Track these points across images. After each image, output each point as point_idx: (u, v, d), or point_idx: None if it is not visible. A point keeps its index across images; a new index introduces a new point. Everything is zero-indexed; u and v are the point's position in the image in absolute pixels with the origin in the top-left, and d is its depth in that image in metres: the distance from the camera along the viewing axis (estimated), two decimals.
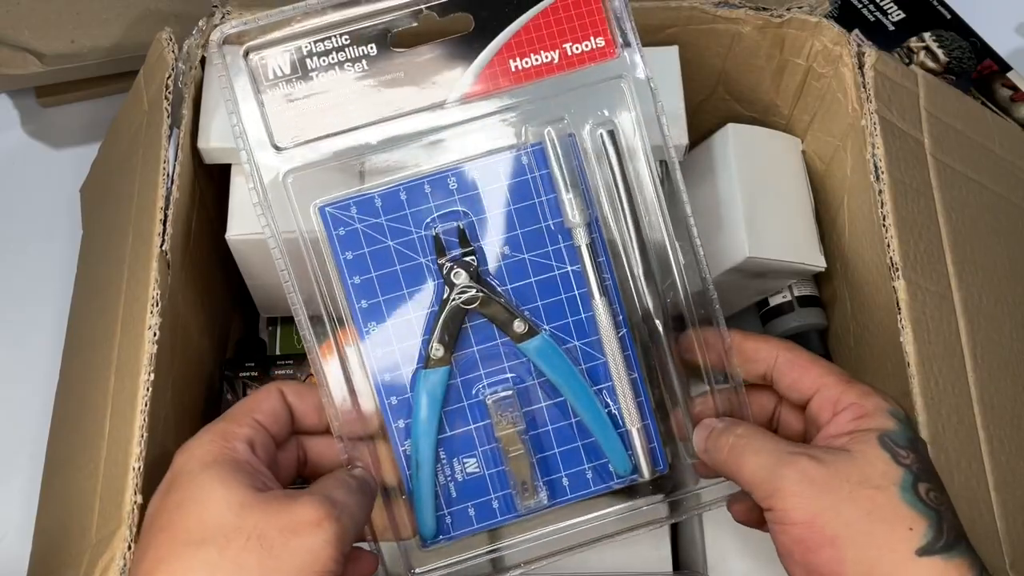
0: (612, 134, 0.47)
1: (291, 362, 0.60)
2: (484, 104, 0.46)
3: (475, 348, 0.46)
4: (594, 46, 0.47)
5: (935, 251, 0.51)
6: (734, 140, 0.59)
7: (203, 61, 0.53)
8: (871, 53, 0.54)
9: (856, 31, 0.55)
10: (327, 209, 0.45)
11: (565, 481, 0.47)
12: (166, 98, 0.51)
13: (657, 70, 0.55)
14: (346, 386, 0.45)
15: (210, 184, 0.55)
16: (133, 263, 0.49)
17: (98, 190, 0.62)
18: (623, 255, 0.48)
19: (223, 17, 0.53)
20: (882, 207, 0.50)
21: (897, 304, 0.48)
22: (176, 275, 0.49)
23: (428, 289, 0.45)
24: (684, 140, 0.54)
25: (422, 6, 0.45)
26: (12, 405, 0.66)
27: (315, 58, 0.45)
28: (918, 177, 0.52)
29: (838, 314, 0.61)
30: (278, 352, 0.64)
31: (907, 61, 0.76)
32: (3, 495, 0.63)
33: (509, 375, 0.46)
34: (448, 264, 0.45)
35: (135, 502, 0.42)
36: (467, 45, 0.46)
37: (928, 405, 0.46)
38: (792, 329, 0.63)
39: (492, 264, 0.46)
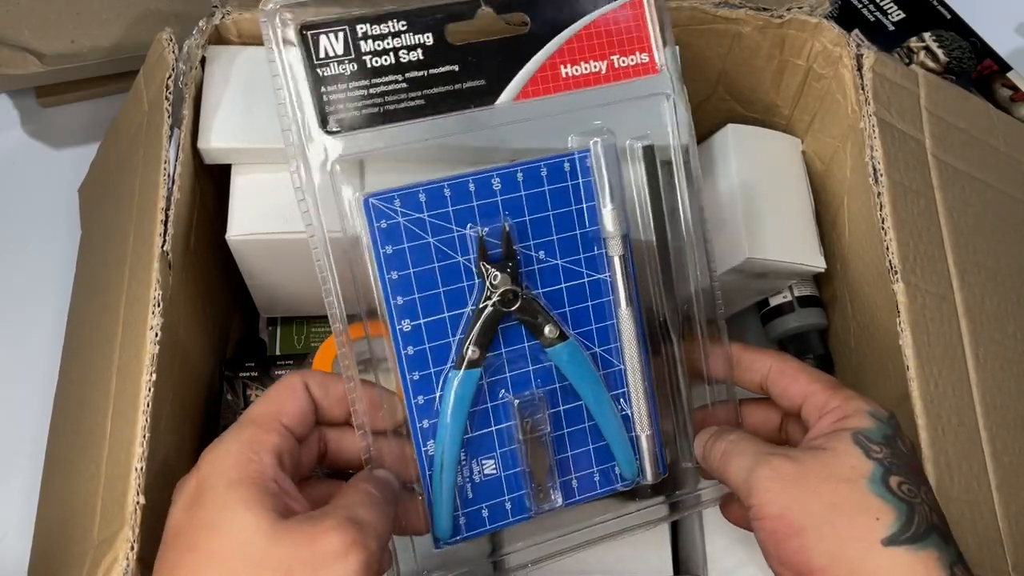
0: (650, 149, 0.48)
1: (291, 362, 0.60)
2: (533, 107, 0.46)
3: (503, 350, 0.46)
4: (639, 61, 0.48)
5: (936, 252, 0.51)
6: (734, 140, 0.59)
7: (203, 61, 0.53)
8: (870, 54, 0.54)
9: (856, 31, 0.55)
10: (371, 200, 0.43)
11: (575, 483, 0.47)
12: (166, 98, 0.51)
13: None
14: (374, 381, 0.45)
15: (211, 184, 0.55)
16: (134, 263, 0.49)
17: (97, 190, 0.62)
18: (646, 266, 0.49)
19: (223, 17, 0.53)
20: (881, 209, 0.50)
21: (896, 307, 0.48)
22: (177, 275, 0.49)
23: (464, 289, 0.45)
24: (685, 140, 0.54)
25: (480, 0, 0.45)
26: (12, 405, 0.66)
27: (370, 41, 0.44)
28: (918, 178, 0.52)
29: (838, 314, 0.61)
30: (278, 352, 0.64)
31: (907, 61, 0.76)
32: (3, 495, 0.63)
33: (533, 378, 0.46)
34: (489, 266, 0.45)
35: (137, 503, 0.42)
36: (521, 46, 0.46)
37: (927, 407, 0.46)
38: (792, 329, 0.63)
39: (527, 267, 0.46)
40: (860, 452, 0.41)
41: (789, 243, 0.58)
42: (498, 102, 0.46)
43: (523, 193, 0.46)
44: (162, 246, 0.48)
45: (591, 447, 0.47)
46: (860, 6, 0.80)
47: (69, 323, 0.61)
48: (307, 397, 0.43)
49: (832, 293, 0.61)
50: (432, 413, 0.45)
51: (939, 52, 0.76)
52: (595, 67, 0.47)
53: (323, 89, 0.43)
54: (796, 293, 0.63)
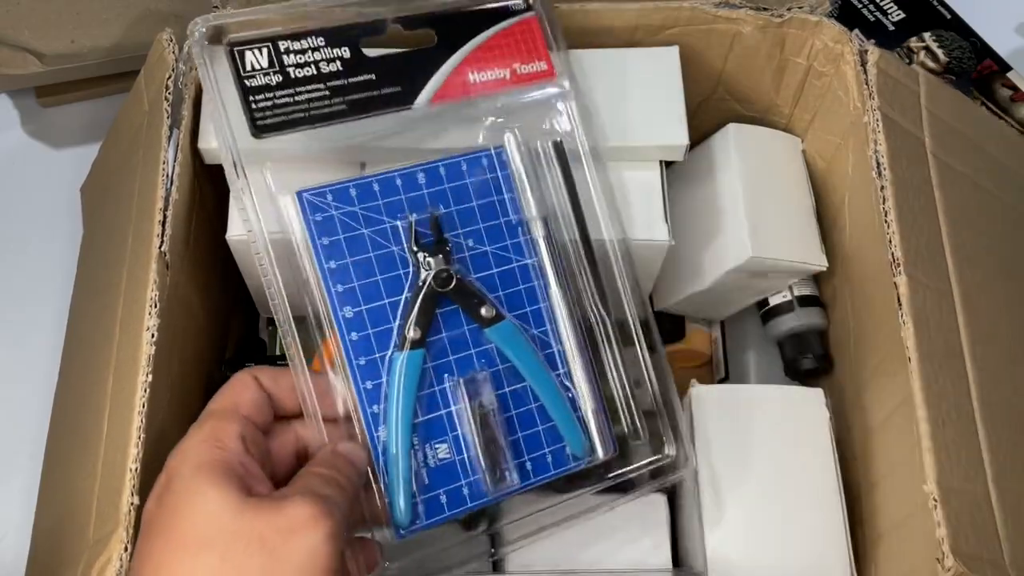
0: (559, 145, 0.51)
1: None
2: (447, 109, 0.50)
3: (444, 334, 0.47)
4: (539, 68, 0.52)
5: (936, 248, 0.51)
6: (735, 140, 0.59)
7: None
8: (874, 51, 0.54)
9: (856, 31, 0.55)
10: (305, 195, 0.46)
11: (528, 465, 0.48)
12: (166, 99, 0.51)
13: (657, 70, 0.56)
14: (321, 370, 0.46)
15: (210, 185, 0.55)
16: (132, 264, 0.49)
17: (98, 190, 0.62)
18: (571, 256, 0.51)
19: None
20: (884, 203, 0.50)
21: (898, 300, 0.48)
22: (175, 275, 0.49)
23: (400, 276, 0.47)
24: (685, 140, 0.54)
25: (388, 19, 0.50)
26: (12, 405, 0.66)
27: (292, 55, 0.47)
28: (919, 175, 0.52)
29: (838, 313, 0.61)
30: (278, 352, 0.64)
31: (907, 61, 0.76)
32: (3, 495, 0.63)
33: (476, 361, 0.48)
34: (422, 251, 0.47)
35: (132, 503, 0.42)
36: (432, 56, 0.50)
37: (929, 401, 0.46)
38: (792, 329, 0.63)
39: (458, 255, 0.48)
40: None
41: (791, 242, 0.58)
42: (415, 105, 0.49)
43: (447, 186, 0.49)
44: (160, 247, 0.48)
45: (540, 428, 0.48)
46: (860, 6, 0.79)
47: (69, 323, 0.61)
48: (260, 389, 0.44)
49: (832, 291, 0.61)
50: (381, 398, 0.46)
51: (939, 52, 0.76)
52: (500, 73, 0.51)
53: (251, 98, 0.46)
54: (796, 292, 0.63)
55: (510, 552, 0.51)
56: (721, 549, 0.51)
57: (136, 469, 0.43)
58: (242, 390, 0.44)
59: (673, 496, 0.57)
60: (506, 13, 0.52)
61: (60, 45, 0.70)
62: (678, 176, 0.61)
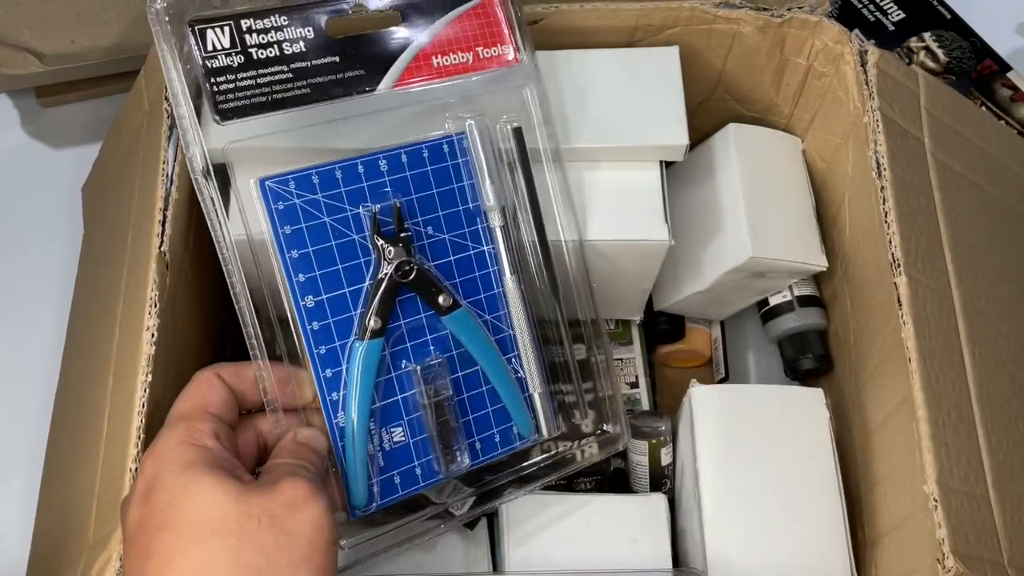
0: (519, 131, 0.52)
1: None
2: (411, 94, 0.50)
3: (403, 321, 0.48)
4: (501, 52, 0.52)
5: (935, 249, 0.51)
6: (735, 140, 0.59)
7: None
8: (874, 51, 0.54)
9: (856, 31, 0.55)
10: (267, 183, 0.46)
11: (478, 445, 0.50)
12: (166, 99, 0.51)
13: (657, 70, 0.56)
14: (282, 359, 0.46)
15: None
16: (132, 264, 0.49)
17: (98, 190, 0.62)
18: (526, 244, 0.52)
19: None
20: (884, 203, 0.50)
21: (898, 300, 0.48)
22: (175, 275, 0.49)
23: (361, 265, 0.47)
24: (685, 140, 0.54)
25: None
26: (12, 405, 0.66)
27: (254, 35, 0.47)
28: (919, 175, 0.52)
29: (838, 313, 0.61)
30: (277, 352, 0.64)
31: (907, 61, 0.76)
32: (3, 495, 0.63)
33: (432, 347, 0.49)
34: (383, 241, 0.47)
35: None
36: (395, 39, 0.50)
37: (928, 399, 0.46)
38: (792, 329, 0.63)
39: (417, 243, 0.49)
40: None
41: (792, 242, 0.58)
42: (378, 89, 0.49)
43: (408, 174, 0.49)
44: (160, 247, 0.48)
45: (490, 409, 0.50)
46: (860, 6, 0.79)
47: (70, 323, 0.61)
48: (223, 386, 0.45)
49: (832, 291, 0.61)
50: (340, 385, 0.46)
51: (939, 52, 0.76)
52: (463, 58, 0.51)
53: (212, 80, 0.46)
54: (796, 292, 0.63)
55: (478, 511, 0.52)
56: (721, 549, 0.51)
57: (136, 469, 0.43)
58: (208, 390, 0.44)
59: (673, 496, 0.57)
60: None
61: (60, 45, 0.69)
62: (678, 176, 0.61)
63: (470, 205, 0.50)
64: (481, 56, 0.51)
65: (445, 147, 0.50)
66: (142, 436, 0.44)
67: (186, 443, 0.41)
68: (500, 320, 0.51)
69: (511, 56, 0.52)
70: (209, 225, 0.45)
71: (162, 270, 0.47)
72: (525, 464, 0.52)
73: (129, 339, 0.47)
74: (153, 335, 0.46)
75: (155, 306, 0.46)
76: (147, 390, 0.45)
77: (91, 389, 0.50)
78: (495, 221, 0.50)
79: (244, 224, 0.45)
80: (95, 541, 0.43)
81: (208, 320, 0.58)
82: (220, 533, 0.37)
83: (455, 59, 0.50)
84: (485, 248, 0.50)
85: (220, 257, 0.45)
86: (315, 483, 0.40)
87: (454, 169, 0.50)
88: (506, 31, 0.52)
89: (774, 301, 0.63)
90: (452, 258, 0.50)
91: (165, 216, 0.49)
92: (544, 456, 0.52)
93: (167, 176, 0.49)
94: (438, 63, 0.50)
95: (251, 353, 0.45)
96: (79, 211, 0.66)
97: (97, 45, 0.70)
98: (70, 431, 0.53)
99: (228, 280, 0.45)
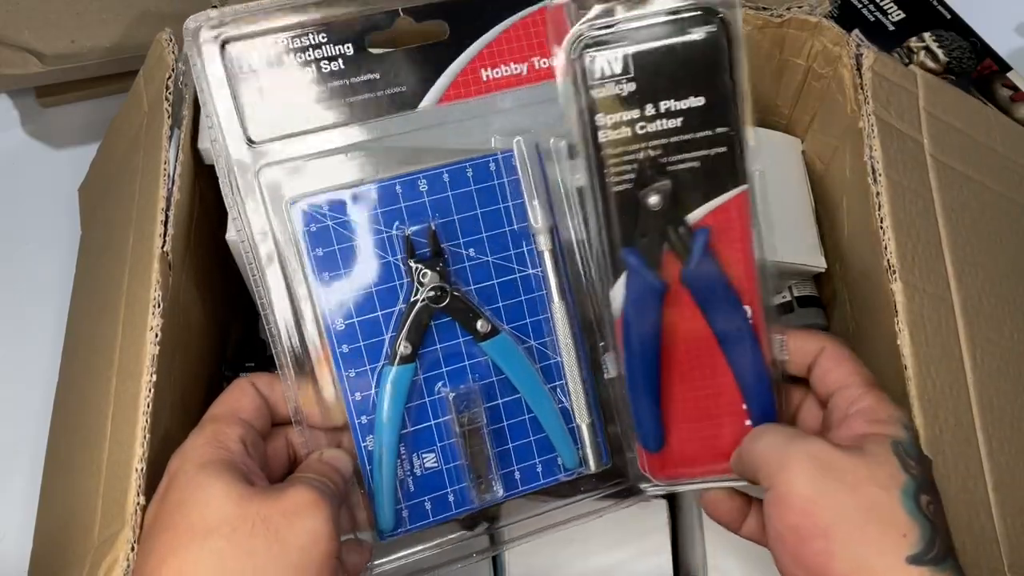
0: (573, 148, 0.48)
1: None
2: (455, 110, 0.48)
3: (439, 346, 0.47)
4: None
5: (934, 253, 0.51)
6: None
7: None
8: (869, 54, 0.54)
9: (856, 31, 0.55)
10: (299, 205, 0.45)
11: (517, 475, 0.48)
12: (166, 99, 0.51)
13: None
14: (311, 380, 0.46)
15: (211, 185, 0.54)
16: (134, 264, 0.49)
17: (98, 191, 0.62)
18: (578, 260, 0.49)
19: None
20: (879, 209, 0.50)
21: (894, 306, 0.48)
22: (177, 276, 0.49)
23: (396, 288, 0.46)
24: None
25: (399, 7, 0.47)
26: (12, 405, 0.66)
27: (292, 54, 0.46)
28: (917, 178, 0.52)
29: (838, 314, 0.61)
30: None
31: (907, 61, 0.76)
32: (3, 495, 0.64)
33: (470, 372, 0.47)
34: (417, 264, 0.46)
35: (138, 503, 0.42)
36: (442, 52, 0.47)
37: (925, 408, 0.46)
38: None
39: (457, 265, 0.47)
40: (897, 463, 0.40)
41: (790, 243, 0.58)
42: (420, 106, 0.47)
43: (450, 193, 0.47)
44: (162, 247, 0.48)
45: (532, 438, 0.48)
46: (860, 6, 0.80)
47: (69, 323, 0.61)
48: (258, 394, 0.45)
49: (831, 293, 0.61)
50: (370, 409, 0.46)
51: (939, 52, 0.76)
52: (516, 69, 0.48)
53: (248, 101, 0.45)
54: (796, 293, 0.63)
55: (505, 551, 0.51)
56: (721, 555, 0.51)
57: (142, 469, 0.43)
58: (241, 396, 0.45)
59: (673, 502, 0.57)
60: (527, 0, 0.48)
61: (60, 45, 0.70)
62: None
63: (516, 227, 0.48)
64: (537, 67, 0.48)
65: (491, 165, 0.48)
66: (147, 436, 0.44)
67: (209, 444, 0.41)
68: (546, 346, 0.48)
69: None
70: (240, 244, 0.45)
71: (165, 270, 0.47)
72: (576, 499, 0.50)
73: (132, 339, 0.47)
74: (157, 335, 0.46)
75: (158, 306, 0.46)
76: (151, 390, 0.45)
77: (93, 389, 0.50)
78: (543, 244, 0.48)
79: (275, 242, 0.45)
80: (101, 541, 0.43)
81: (211, 320, 0.59)
82: (214, 535, 0.38)
83: (507, 71, 0.48)
84: (531, 271, 0.48)
85: (249, 276, 0.45)
86: (323, 495, 0.40)
87: (500, 188, 0.48)
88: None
89: (774, 301, 0.63)
90: (495, 281, 0.48)
91: (167, 216, 0.49)
92: (591, 493, 0.50)
93: (169, 176, 0.49)
94: (487, 76, 0.48)
95: (280, 372, 0.45)
96: (79, 211, 0.66)
97: (97, 45, 0.70)
98: (72, 431, 0.53)
99: (258, 302, 0.45)
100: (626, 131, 0.44)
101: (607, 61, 0.44)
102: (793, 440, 0.41)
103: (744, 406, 0.45)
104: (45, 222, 0.72)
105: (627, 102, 0.44)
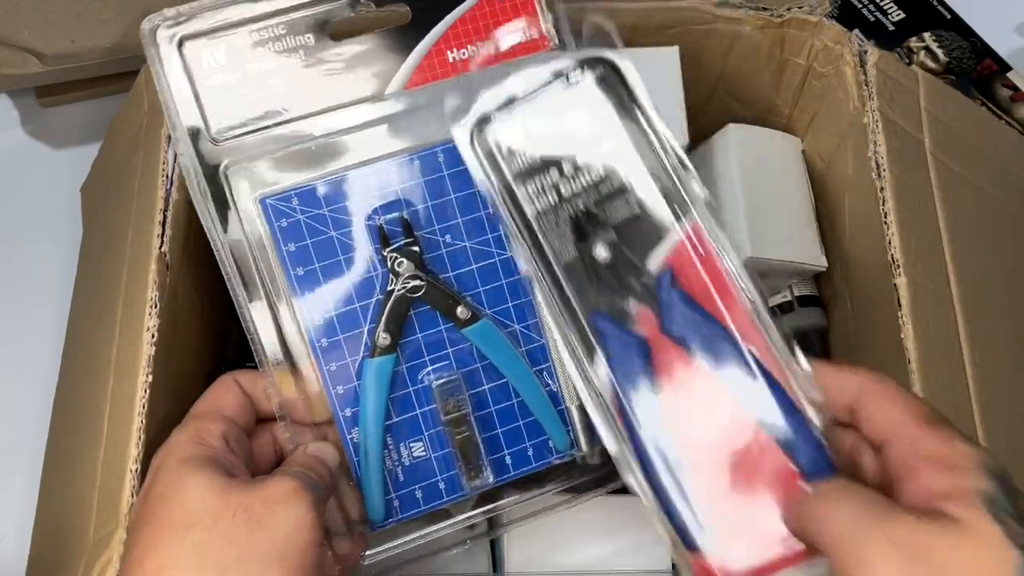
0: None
1: None
2: (423, 94, 0.47)
3: (420, 335, 0.47)
4: (528, 37, 0.48)
5: (935, 249, 0.51)
6: (735, 140, 0.59)
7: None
8: (874, 51, 0.54)
9: (856, 31, 0.55)
10: (268, 201, 0.45)
11: (508, 459, 0.48)
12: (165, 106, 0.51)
13: (657, 70, 0.56)
14: (293, 375, 0.46)
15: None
16: (132, 264, 0.49)
17: (98, 191, 0.62)
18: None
19: None
20: (883, 204, 0.50)
21: (898, 301, 0.48)
22: (175, 276, 0.49)
23: (372, 279, 0.46)
24: (684, 140, 0.54)
25: None
26: (12, 405, 0.66)
27: (252, 48, 0.45)
28: (918, 176, 0.52)
29: (838, 313, 0.61)
30: None
31: (907, 61, 0.76)
32: (3, 495, 0.63)
33: (453, 360, 0.47)
34: (392, 254, 0.46)
35: (132, 503, 0.42)
36: (405, 36, 0.47)
37: (928, 402, 0.46)
38: (792, 329, 0.63)
39: (434, 252, 0.47)
40: (1000, 533, 0.32)
41: (791, 242, 0.58)
42: (387, 94, 0.47)
43: (422, 180, 0.47)
44: (160, 247, 0.48)
45: (521, 423, 0.48)
46: (860, 6, 0.79)
47: (69, 323, 0.61)
48: (241, 391, 0.45)
49: (832, 291, 0.61)
50: (353, 402, 0.46)
51: (939, 52, 0.76)
52: (483, 49, 0.48)
53: (208, 99, 0.45)
54: (796, 292, 0.63)
55: (504, 538, 0.51)
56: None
57: (136, 470, 0.43)
58: (224, 393, 0.45)
59: None
60: None
61: (60, 45, 0.69)
62: None
63: (490, 211, 0.47)
64: (504, 46, 0.48)
65: None
66: (142, 437, 0.44)
67: (191, 441, 0.41)
68: (530, 329, 0.48)
69: (540, 40, 0.48)
70: (212, 243, 0.45)
71: (162, 270, 0.47)
72: (570, 479, 0.49)
73: (129, 339, 0.47)
74: (153, 336, 0.46)
75: (155, 306, 0.46)
76: (147, 391, 0.45)
77: (91, 389, 0.50)
78: None
79: (246, 240, 0.45)
80: (96, 541, 0.43)
81: (210, 320, 0.58)
82: (195, 527, 0.38)
83: (473, 51, 0.47)
84: (511, 255, 0.47)
85: (224, 274, 0.45)
86: (305, 484, 0.40)
87: None
88: (536, 13, 0.48)
89: (774, 301, 0.63)
90: (475, 266, 0.47)
91: (165, 217, 0.49)
92: (584, 475, 0.49)
93: (167, 177, 0.49)
94: (454, 58, 0.47)
95: (260, 368, 0.45)
96: (79, 211, 0.66)
97: (97, 45, 0.70)
98: (70, 431, 0.53)
99: (235, 300, 0.45)
100: (551, 196, 0.43)
101: (508, 133, 0.43)
102: (872, 518, 0.33)
103: (790, 463, 0.38)
104: (45, 222, 0.72)
105: (542, 167, 0.43)
